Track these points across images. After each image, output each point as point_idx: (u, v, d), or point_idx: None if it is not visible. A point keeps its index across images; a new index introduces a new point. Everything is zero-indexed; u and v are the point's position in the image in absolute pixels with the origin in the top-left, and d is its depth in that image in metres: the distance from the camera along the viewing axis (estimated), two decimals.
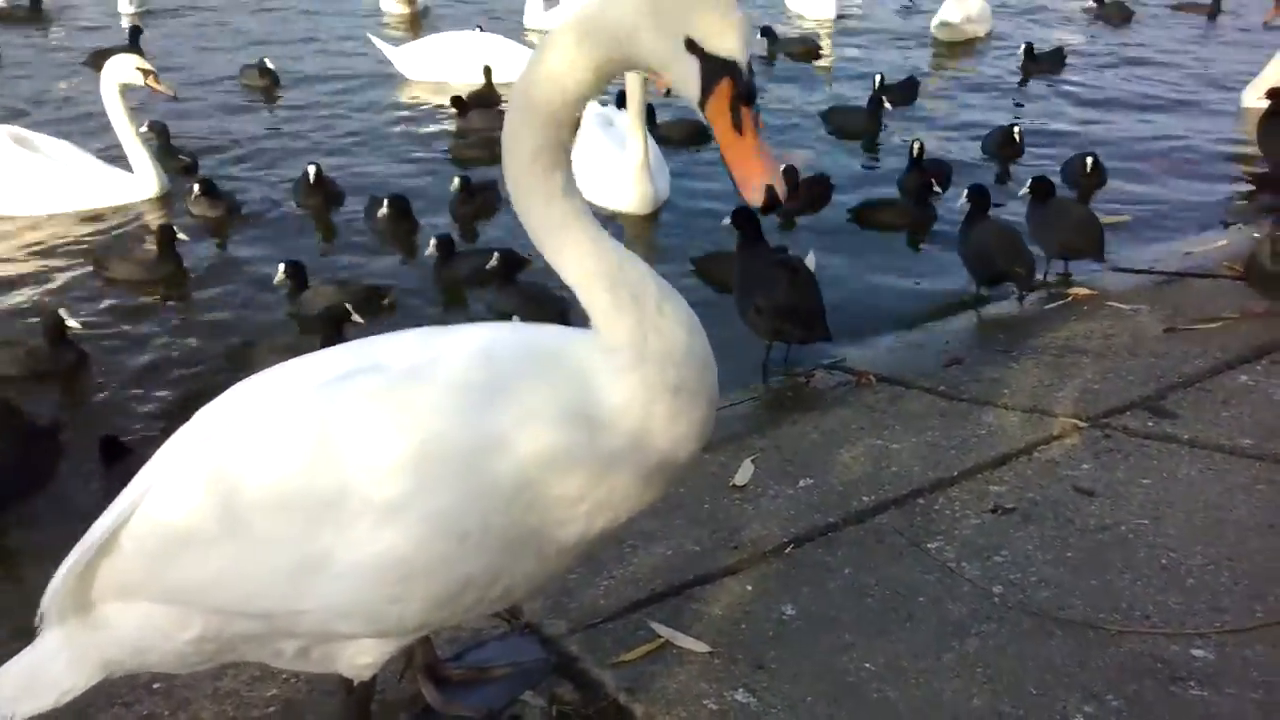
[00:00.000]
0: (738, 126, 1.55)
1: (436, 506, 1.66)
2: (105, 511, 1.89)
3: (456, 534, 1.67)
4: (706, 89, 1.56)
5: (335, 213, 7.20)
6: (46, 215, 7.16)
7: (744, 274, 4.80)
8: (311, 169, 7.10)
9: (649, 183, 6.91)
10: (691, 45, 1.55)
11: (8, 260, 6.68)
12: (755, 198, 1.55)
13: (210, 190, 7.03)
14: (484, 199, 7.09)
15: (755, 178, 1.55)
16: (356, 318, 5.05)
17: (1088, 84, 10.40)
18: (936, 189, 6.87)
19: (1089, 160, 7.13)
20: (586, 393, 1.70)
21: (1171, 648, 2.30)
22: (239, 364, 4.85)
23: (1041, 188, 5.63)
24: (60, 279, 6.36)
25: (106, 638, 1.89)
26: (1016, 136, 7.98)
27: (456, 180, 7.06)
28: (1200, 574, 2.56)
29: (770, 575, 2.74)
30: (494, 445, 1.66)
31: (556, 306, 5.39)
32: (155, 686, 2.48)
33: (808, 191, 7.06)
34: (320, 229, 7.07)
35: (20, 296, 6.17)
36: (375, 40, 10.62)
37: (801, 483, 3.27)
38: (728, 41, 1.54)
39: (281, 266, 5.80)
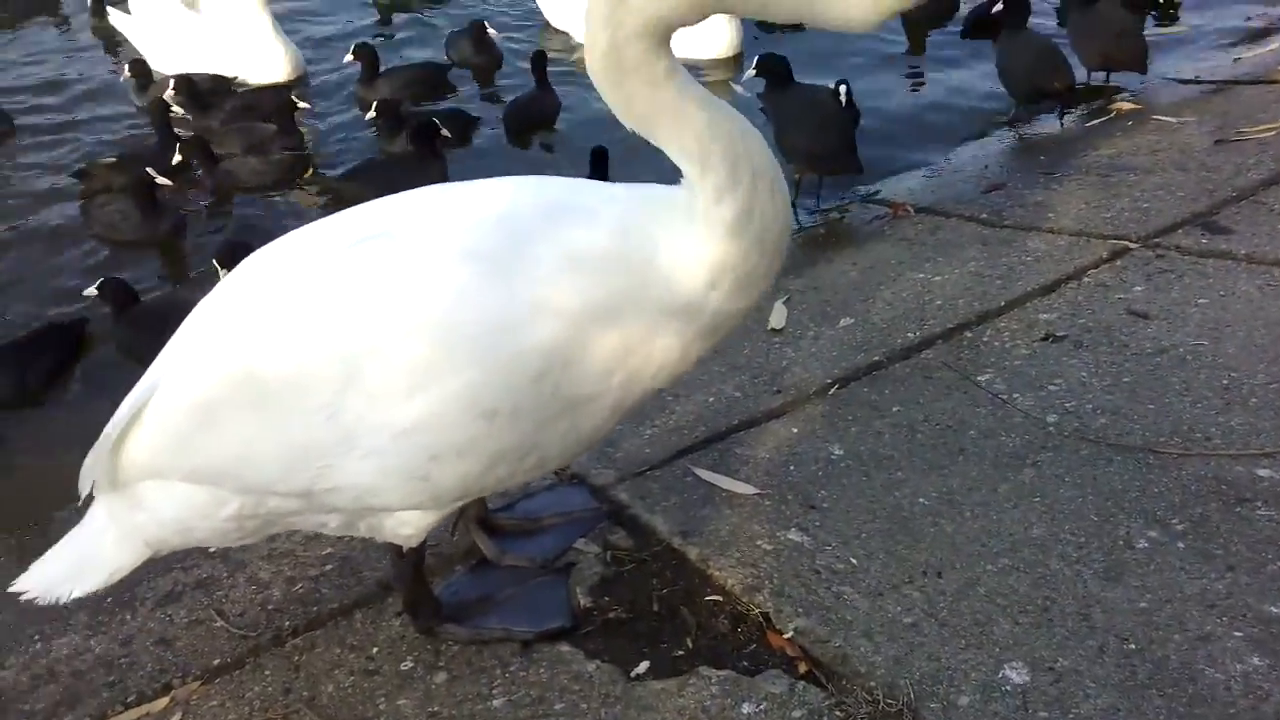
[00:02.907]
0: None
1: (459, 384, 1.59)
2: (135, 387, 1.87)
3: (483, 412, 1.61)
4: None
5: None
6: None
7: (778, 114, 4.62)
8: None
9: None
10: None
11: (122, 121, 6.58)
12: None
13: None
14: None
15: None
16: (162, 180, 5.05)
17: None
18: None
19: None
20: (649, 251, 1.63)
21: (1236, 469, 2.25)
22: None
23: None
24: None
25: (148, 517, 1.88)
26: None
27: None
28: (1264, 393, 2.49)
29: (815, 417, 2.70)
30: (519, 317, 1.59)
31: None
32: (211, 550, 2.50)
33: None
34: None
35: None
36: None
37: (842, 322, 3.19)
38: None
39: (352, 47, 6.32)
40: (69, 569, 1.95)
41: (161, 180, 5.10)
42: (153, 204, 5.04)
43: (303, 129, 6.05)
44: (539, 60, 6.12)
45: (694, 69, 6.59)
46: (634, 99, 1.56)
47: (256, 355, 1.68)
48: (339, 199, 5.13)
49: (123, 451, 1.82)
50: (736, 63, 6.73)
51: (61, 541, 2.00)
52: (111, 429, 1.81)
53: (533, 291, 1.59)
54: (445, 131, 5.33)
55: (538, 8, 7.48)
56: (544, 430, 1.68)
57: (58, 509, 2.99)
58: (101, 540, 1.94)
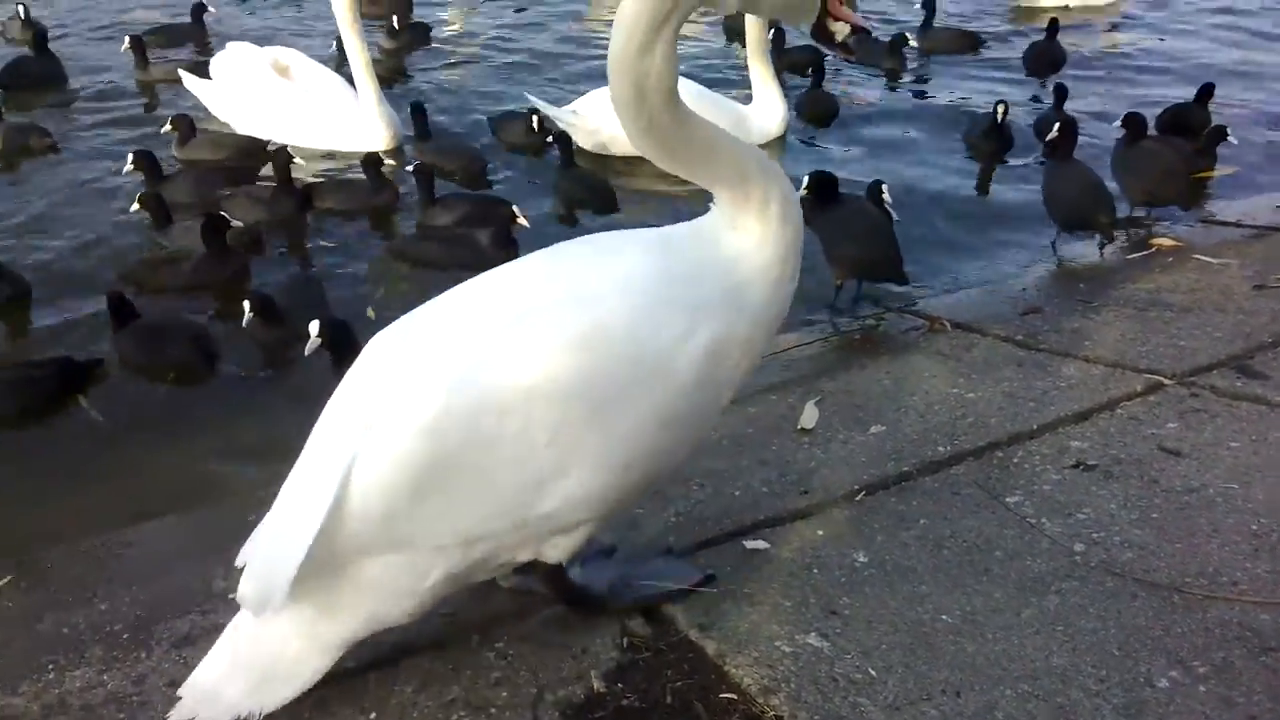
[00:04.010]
0: None
1: (652, 402, 1.89)
2: (294, 491, 1.92)
3: (669, 419, 1.93)
4: None
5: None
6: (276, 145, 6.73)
7: (825, 224, 4.66)
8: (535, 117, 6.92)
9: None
10: None
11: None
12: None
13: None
14: None
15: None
16: (236, 222, 5.25)
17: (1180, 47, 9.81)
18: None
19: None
20: (734, 270, 1.98)
21: (1261, 617, 2.24)
22: None
23: (1135, 125, 5.40)
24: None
25: (340, 615, 1.94)
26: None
27: None
28: None
29: (841, 521, 2.70)
30: (681, 339, 1.90)
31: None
32: (231, 596, 2.51)
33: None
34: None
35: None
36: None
37: (873, 429, 3.21)
38: None
39: (413, 167, 5.96)
40: (253, 682, 1.97)
41: (236, 222, 5.22)
42: (222, 247, 5.15)
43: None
44: (565, 140, 6.32)
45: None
46: (677, 152, 1.92)
47: (474, 412, 1.83)
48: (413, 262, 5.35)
49: (337, 536, 1.85)
50: (782, 143, 7.00)
51: (218, 658, 2.03)
52: (300, 537, 1.83)
53: (687, 322, 1.92)
54: (522, 220, 5.31)
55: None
56: (699, 422, 2.03)
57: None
58: (286, 647, 1.96)
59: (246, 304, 4.43)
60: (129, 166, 5.95)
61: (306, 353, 3.96)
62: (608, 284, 1.94)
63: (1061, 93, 6.88)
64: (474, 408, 1.82)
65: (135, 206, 5.60)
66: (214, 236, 5.11)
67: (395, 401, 1.86)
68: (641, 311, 1.91)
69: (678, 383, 1.91)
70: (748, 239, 1.99)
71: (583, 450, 1.88)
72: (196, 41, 9.49)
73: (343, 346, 3.91)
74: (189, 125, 6.79)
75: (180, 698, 2.00)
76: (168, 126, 6.75)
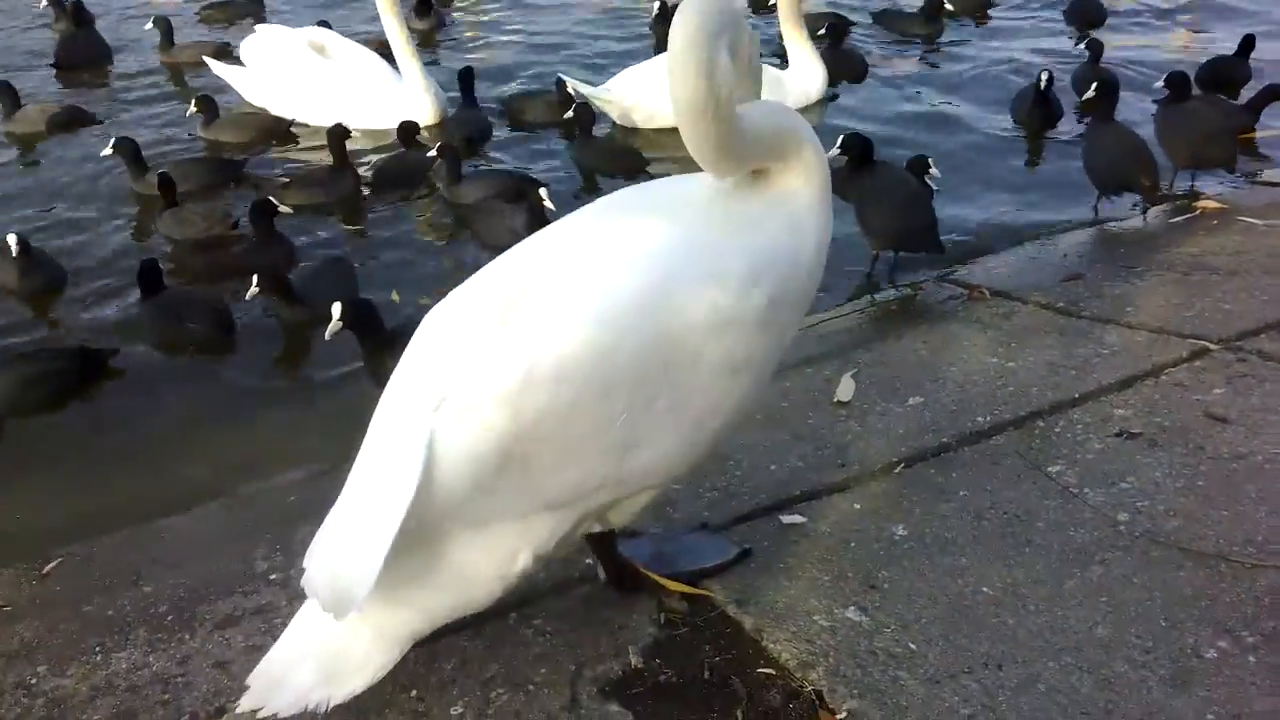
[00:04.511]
0: None
1: (724, 353, 1.89)
2: (366, 480, 1.86)
3: (740, 365, 1.92)
4: None
5: None
6: (317, 126, 6.69)
7: (860, 191, 4.60)
8: None
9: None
10: None
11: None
12: None
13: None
14: None
15: None
16: (284, 208, 5.22)
17: None
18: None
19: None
20: (792, 209, 2.00)
21: None
22: None
23: (1178, 85, 5.27)
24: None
25: (419, 606, 1.92)
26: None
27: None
28: None
29: (879, 494, 2.68)
30: (748, 285, 1.89)
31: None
32: (272, 578, 2.55)
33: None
34: None
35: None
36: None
37: (910, 400, 3.18)
38: None
39: (435, 150, 5.92)
40: (320, 676, 1.92)
41: (284, 208, 5.21)
42: (270, 231, 5.17)
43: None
44: (585, 112, 6.28)
45: None
46: (731, 152, 1.88)
47: (556, 383, 1.79)
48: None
49: (422, 522, 1.78)
50: (821, 108, 6.97)
51: (283, 650, 1.97)
52: (383, 527, 1.75)
53: (750, 260, 1.91)
54: (549, 203, 5.16)
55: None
56: (767, 369, 2.03)
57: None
58: (354, 641, 1.93)
59: (254, 278, 4.46)
60: (108, 151, 5.96)
61: (328, 335, 3.95)
62: (669, 239, 1.92)
63: (1096, 49, 6.71)
64: (553, 376, 1.78)
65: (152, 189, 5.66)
66: (261, 220, 5.14)
67: (470, 375, 1.82)
68: (708, 264, 1.89)
69: (746, 328, 1.90)
70: (794, 178, 2.02)
71: (657, 411, 1.87)
72: (254, 17, 9.47)
73: (367, 327, 3.89)
74: (213, 105, 6.85)
75: (249, 686, 1.95)
76: (192, 108, 6.83)
